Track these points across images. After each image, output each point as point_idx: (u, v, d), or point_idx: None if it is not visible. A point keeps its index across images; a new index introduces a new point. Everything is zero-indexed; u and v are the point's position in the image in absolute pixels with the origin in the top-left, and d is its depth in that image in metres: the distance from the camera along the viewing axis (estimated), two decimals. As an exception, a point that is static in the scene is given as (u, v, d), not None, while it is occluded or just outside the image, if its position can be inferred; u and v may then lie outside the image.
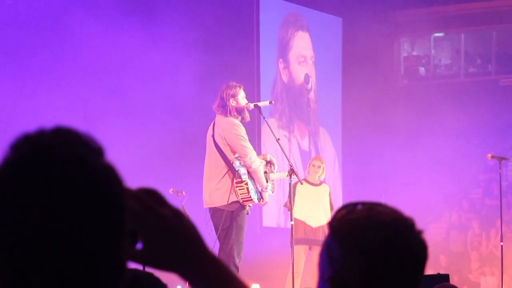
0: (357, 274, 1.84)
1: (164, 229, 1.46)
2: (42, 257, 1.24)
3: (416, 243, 1.88)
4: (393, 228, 1.86)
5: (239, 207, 8.48)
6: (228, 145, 8.53)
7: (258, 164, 8.55)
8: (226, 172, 8.53)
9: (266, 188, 8.67)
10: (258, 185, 8.62)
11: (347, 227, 1.86)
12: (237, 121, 8.60)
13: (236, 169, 8.49)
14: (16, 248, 1.24)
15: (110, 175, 1.30)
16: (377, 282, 1.84)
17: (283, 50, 16.32)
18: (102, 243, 1.27)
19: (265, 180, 8.66)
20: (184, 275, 1.50)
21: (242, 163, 8.51)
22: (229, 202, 8.45)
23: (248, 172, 8.52)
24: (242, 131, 8.57)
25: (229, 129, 8.55)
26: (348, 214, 1.88)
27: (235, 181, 8.46)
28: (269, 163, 8.90)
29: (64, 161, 1.26)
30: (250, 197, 8.44)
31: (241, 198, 8.44)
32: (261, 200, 8.69)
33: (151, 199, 1.46)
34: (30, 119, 10.64)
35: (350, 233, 1.86)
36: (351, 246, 1.84)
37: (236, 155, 8.53)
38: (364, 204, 1.91)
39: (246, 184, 8.45)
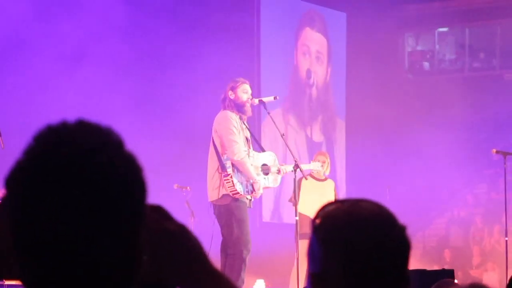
0: (336, 271, 1.81)
1: (169, 244, 1.45)
2: (65, 245, 1.24)
3: (397, 239, 1.84)
4: (373, 224, 1.83)
5: (232, 200, 8.42)
6: (219, 138, 8.51)
7: (241, 156, 8.43)
8: (218, 167, 8.51)
9: (256, 180, 8.58)
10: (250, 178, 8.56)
11: (327, 223, 1.85)
12: (229, 114, 8.50)
13: (224, 162, 8.48)
14: (39, 237, 1.24)
15: (133, 164, 1.32)
16: (356, 280, 1.81)
17: (289, 43, 16.30)
18: (123, 231, 1.27)
19: (253, 172, 8.53)
20: None
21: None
22: (219, 197, 8.42)
23: (233, 165, 8.50)
24: (232, 124, 8.45)
25: (220, 121, 8.51)
26: (330, 211, 1.87)
27: (222, 174, 8.45)
28: (297, 165, 8.85)
29: (88, 150, 1.26)
30: (236, 189, 8.40)
31: (230, 192, 8.41)
32: (253, 192, 8.63)
33: (156, 214, 1.46)
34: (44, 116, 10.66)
35: (330, 230, 1.84)
36: (330, 242, 1.83)
37: None
38: (350, 200, 1.89)
39: (231, 177, 8.41)
